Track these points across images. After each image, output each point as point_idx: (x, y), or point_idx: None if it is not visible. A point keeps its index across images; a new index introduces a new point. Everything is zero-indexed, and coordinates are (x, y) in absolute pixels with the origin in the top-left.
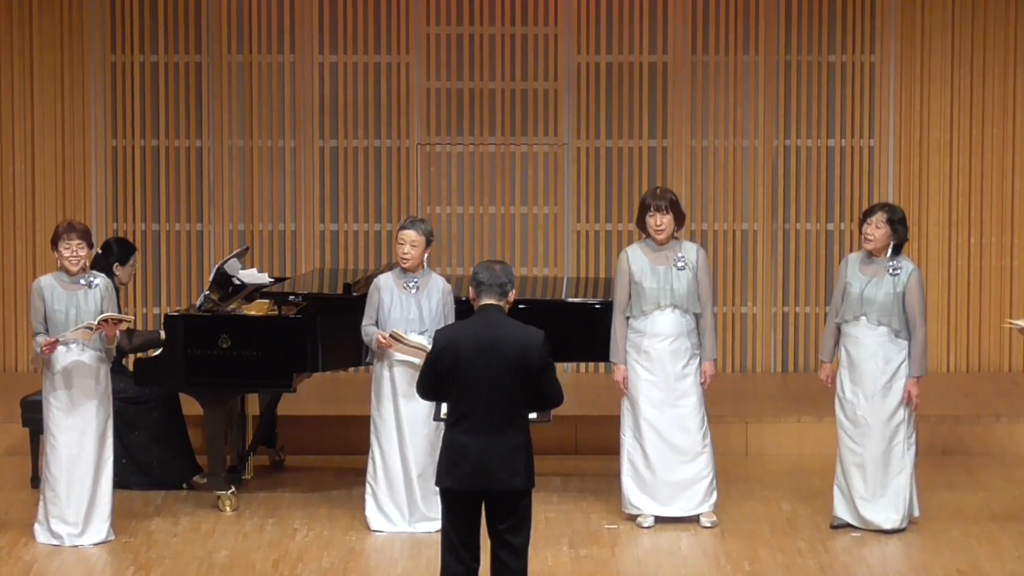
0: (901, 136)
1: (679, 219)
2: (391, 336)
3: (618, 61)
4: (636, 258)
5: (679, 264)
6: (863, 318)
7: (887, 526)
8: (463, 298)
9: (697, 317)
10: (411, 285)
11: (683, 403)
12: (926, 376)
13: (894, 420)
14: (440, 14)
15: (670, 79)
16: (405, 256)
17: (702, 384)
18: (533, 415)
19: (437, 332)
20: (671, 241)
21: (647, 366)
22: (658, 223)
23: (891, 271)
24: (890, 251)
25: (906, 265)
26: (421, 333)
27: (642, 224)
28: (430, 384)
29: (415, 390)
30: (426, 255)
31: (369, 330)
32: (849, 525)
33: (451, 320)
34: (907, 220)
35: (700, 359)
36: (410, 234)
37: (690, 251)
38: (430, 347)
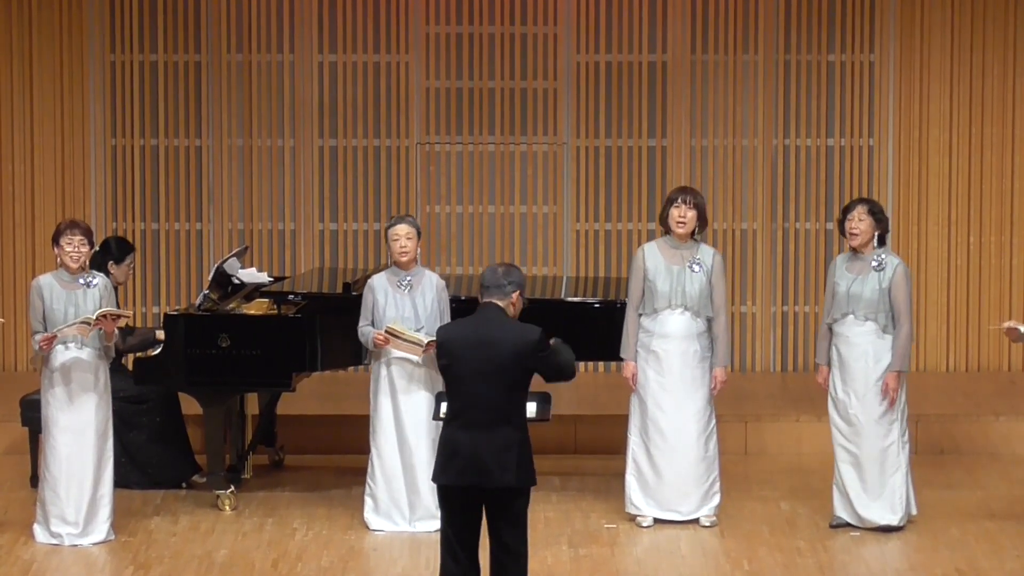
0: (900, 135)
1: (702, 221)
2: (387, 332)
3: (617, 60)
4: (652, 255)
5: (694, 266)
6: (851, 316)
7: (884, 523)
8: (461, 297)
9: (710, 321)
10: (404, 283)
11: (689, 406)
12: (912, 374)
13: (886, 418)
14: (439, 13)
15: (670, 78)
16: (404, 250)
17: (712, 390)
18: (532, 413)
19: (438, 329)
20: (690, 242)
21: (656, 367)
22: (681, 214)
23: (876, 267)
24: (875, 242)
25: (891, 260)
26: (418, 330)
27: (665, 218)
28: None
29: (414, 386)
30: (418, 252)
31: (365, 330)
32: (848, 524)
33: (447, 317)
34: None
35: (712, 364)
36: (403, 228)
37: (707, 255)
38: (426, 341)
